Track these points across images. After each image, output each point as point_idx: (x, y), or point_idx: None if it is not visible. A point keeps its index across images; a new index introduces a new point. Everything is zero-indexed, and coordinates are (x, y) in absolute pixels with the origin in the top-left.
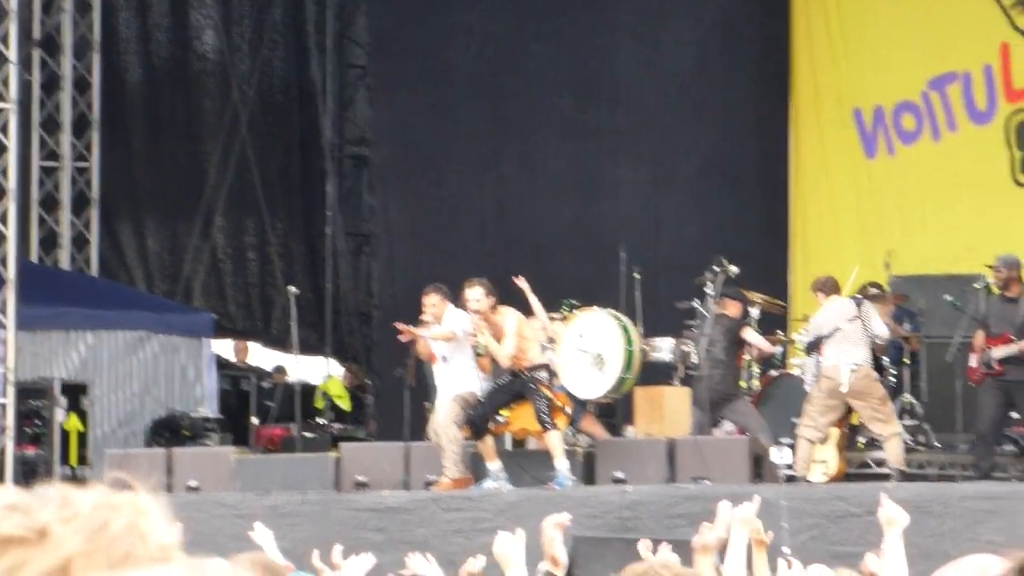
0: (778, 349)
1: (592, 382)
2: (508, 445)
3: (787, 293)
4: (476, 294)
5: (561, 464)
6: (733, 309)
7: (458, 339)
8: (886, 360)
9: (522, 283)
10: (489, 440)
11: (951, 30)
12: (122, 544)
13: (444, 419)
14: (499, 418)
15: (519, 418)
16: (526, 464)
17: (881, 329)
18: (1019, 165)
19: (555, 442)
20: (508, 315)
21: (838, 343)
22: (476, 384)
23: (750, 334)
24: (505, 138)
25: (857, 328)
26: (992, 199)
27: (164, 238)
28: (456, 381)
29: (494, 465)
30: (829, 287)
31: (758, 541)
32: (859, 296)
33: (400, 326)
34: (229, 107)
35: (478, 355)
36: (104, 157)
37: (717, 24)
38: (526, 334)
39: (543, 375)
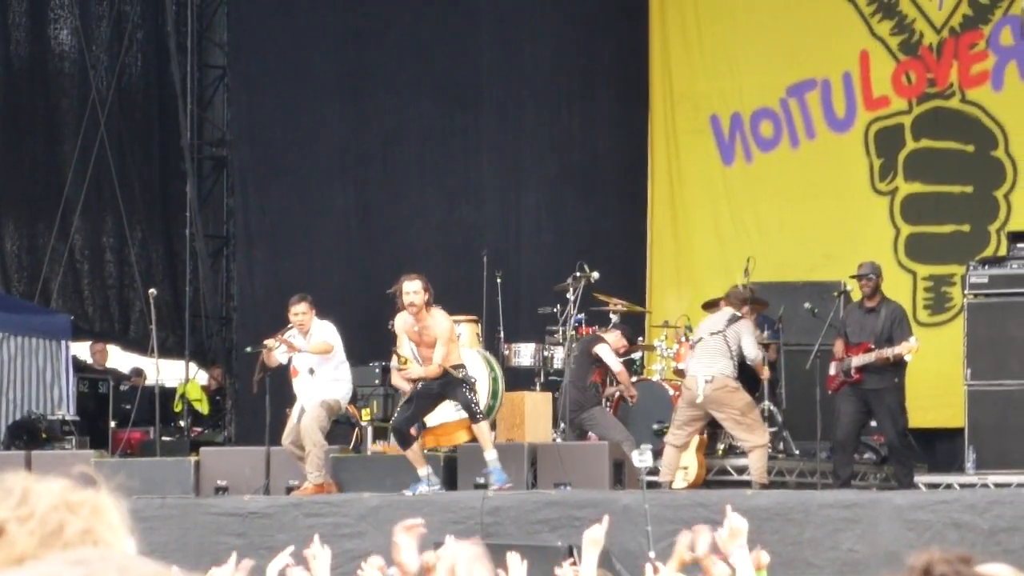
0: (628, 379)
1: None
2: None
3: (645, 299)
4: (415, 286)
5: (491, 455)
6: (612, 337)
7: (332, 350)
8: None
9: None
10: (416, 446)
11: (810, 37)
12: (74, 548)
13: (309, 423)
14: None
15: (428, 439)
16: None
17: (751, 351)
18: (878, 173)
19: (484, 432)
20: (440, 318)
21: (698, 354)
22: (342, 391)
23: (603, 350)
24: (366, 140)
25: (718, 342)
26: (851, 207)
27: (22, 238)
28: (322, 389)
29: (424, 470)
30: (730, 299)
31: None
32: (736, 314)
33: (276, 342)
34: (88, 107)
35: (398, 369)
36: None
37: (576, 28)
38: (454, 336)
39: (463, 372)
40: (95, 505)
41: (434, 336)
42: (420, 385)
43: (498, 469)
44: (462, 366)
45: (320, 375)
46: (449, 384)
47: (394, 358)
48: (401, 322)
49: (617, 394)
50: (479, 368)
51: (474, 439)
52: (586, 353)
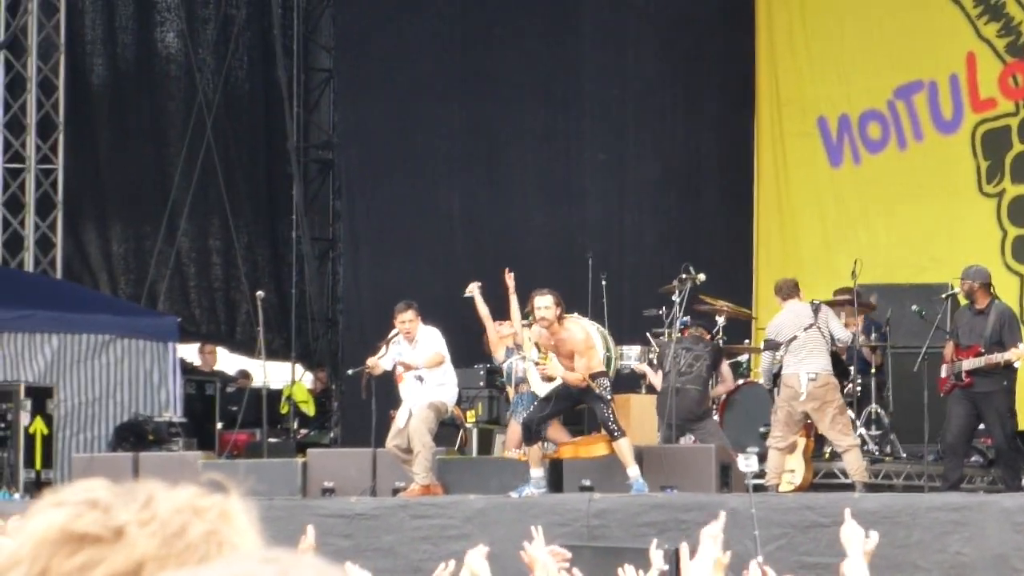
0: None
1: None
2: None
3: (751, 301)
4: (547, 302)
5: (633, 471)
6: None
7: (444, 361)
8: (851, 367)
9: (509, 280)
10: (536, 447)
11: (917, 39)
12: (198, 551)
13: (418, 425)
14: (548, 445)
15: (567, 450)
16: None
17: (841, 332)
18: (985, 175)
19: (625, 449)
20: (575, 330)
21: (795, 352)
22: (449, 394)
23: (726, 366)
24: (470, 143)
25: (814, 335)
26: (958, 209)
27: (129, 241)
28: (430, 392)
29: (537, 472)
30: (785, 291)
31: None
32: (816, 301)
33: (377, 360)
34: (194, 110)
35: (535, 364)
36: (69, 159)
37: (681, 33)
38: (590, 343)
39: (604, 382)
40: (223, 509)
41: (571, 349)
42: (560, 386)
43: (640, 483)
44: (603, 374)
45: (428, 380)
46: (588, 391)
47: (527, 348)
48: (537, 334)
49: (723, 397)
50: (597, 345)
51: (613, 453)
52: (716, 362)
